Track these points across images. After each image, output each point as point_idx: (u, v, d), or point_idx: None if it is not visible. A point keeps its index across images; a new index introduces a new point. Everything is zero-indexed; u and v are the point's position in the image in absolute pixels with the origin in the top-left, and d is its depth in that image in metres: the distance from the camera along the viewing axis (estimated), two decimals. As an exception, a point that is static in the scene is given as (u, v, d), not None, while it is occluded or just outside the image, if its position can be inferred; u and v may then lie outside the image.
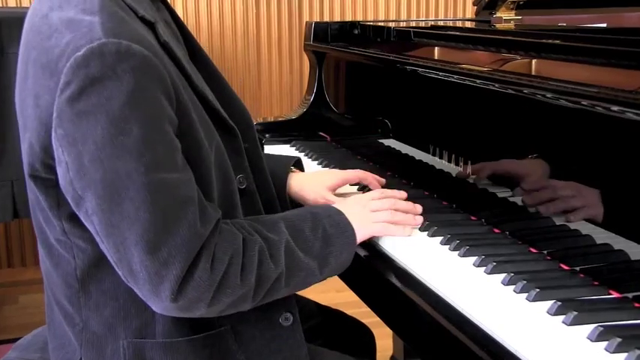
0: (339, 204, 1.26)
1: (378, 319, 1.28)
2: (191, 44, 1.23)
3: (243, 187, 1.19)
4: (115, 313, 1.10)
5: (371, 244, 1.25)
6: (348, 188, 1.50)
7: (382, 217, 1.24)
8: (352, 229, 1.18)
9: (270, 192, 1.27)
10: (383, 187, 1.47)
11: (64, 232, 1.08)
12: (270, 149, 1.96)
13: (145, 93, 0.96)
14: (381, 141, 1.78)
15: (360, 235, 1.20)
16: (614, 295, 1.01)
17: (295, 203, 1.41)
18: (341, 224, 1.18)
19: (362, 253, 1.26)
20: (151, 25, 1.07)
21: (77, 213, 1.01)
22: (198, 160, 1.06)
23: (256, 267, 1.05)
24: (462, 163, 1.41)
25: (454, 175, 1.43)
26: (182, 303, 0.99)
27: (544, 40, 1.35)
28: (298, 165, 1.49)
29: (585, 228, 1.10)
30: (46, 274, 1.17)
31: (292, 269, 1.10)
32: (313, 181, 1.43)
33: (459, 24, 2.55)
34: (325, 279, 1.18)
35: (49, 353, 1.20)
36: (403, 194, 1.32)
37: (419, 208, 1.30)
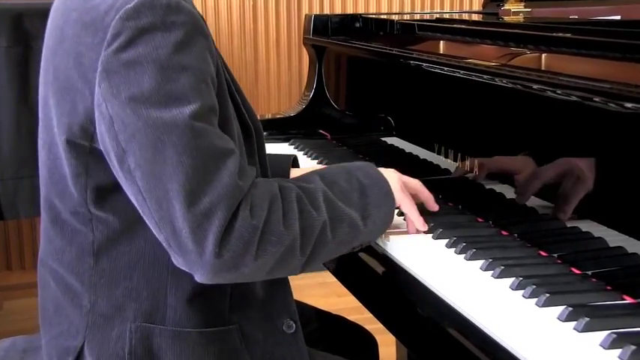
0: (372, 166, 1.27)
1: (381, 325, 1.28)
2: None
3: None
4: (126, 293, 1.11)
5: (373, 247, 1.25)
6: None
7: (414, 183, 1.28)
8: (385, 180, 1.20)
9: None
10: None
11: (85, 202, 1.10)
12: (268, 147, 1.95)
13: (192, 46, 1.01)
14: (383, 139, 1.78)
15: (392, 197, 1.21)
16: (628, 300, 1.00)
17: None
18: (374, 175, 1.20)
19: (363, 255, 1.26)
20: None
21: (120, 174, 1.03)
22: (230, 137, 1.08)
23: (297, 213, 1.06)
24: (468, 162, 1.41)
25: (460, 174, 1.43)
26: (228, 257, 0.99)
27: (554, 34, 1.35)
28: (294, 163, 1.50)
29: (598, 230, 1.10)
30: (51, 256, 1.18)
31: (334, 219, 1.10)
32: None
33: (465, 17, 2.55)
34: (369, 239, 1.19)
35: (43, 348, 1.20)
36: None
37: (435, 205, 1.32)
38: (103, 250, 1.12)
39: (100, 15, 1.02)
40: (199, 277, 1.02)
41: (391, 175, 1.24)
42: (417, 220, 1.26)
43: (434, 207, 1.31)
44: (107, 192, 1.08)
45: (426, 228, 1.26)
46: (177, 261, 1.02)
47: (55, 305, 1.18)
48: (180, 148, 0.98)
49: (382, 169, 1.25)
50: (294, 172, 1.44)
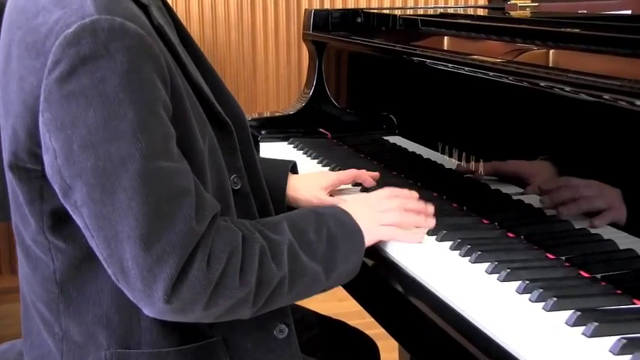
0: (345, 204, 1.26)
1: (383, 330, 1.28)
2: (183, 35, 1.23)
3: (237, 187, 1.19)
4: (97, 320, 1.10)
5: (375, 249, 1.25)
6: (347, 189, 1.51)
7: (392, 218, 1.24)
8: (359, 231, 1.18)
9: (264, 195, 1.27)
10: (386, 184, 1.47)
11: (41, 230, 1.08)
12: (266, 147, 1.96)
13: (140, 74, 0.97)
14: (386, 138, 1.78)
15: (368, 239, 1.20)
16: (639, 304, 1.00)
17: (289, 207, 1.42)
18: (347, 225, 1.18)
19: (365, 258, 1.26)
20: (144, 8, 1.07)
21: (65, 205, 1.01)
22: (192, 153, 1.06)
23: (257, 268, 1.05)
24: (473, 162, 1.41)
25: (464, 174, 1.43)
26: (176, 305, 0.99)
27: (563, 29, 1.35)
28: (293, 169, 1.50)
29: (607, 232, 1.10)
30: (23, 280, 1.17)
31: (296, 273, 1.09)
32: (307, 181, 1.45)
33: (470, 11, 2.55)
34: (332, 287, 1.18)
35: None
36: (415, 194, 1.32)
37: (430, 208, 1.29)
38: (66, 278, 1.10)
39: (41, 38, 0.98)
40: (147, 312, 1.02)
41: (365, 214, 1.21)
42: (411, 238, 1.23)
43: (426, 225, 1.27)
44: (64, 219, 1.05)
45: (421, 239, 1.25)
46: (126, 293, 1.01)
47: (36, 329, 1.17)
48: (130, 193, 0.95)
49: (359, 198, 1.22)
50: (293, 180, 1.44)
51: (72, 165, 0.97)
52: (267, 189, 1.29)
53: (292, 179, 1.44)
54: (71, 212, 1.01)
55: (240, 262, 1.04)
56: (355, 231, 1.18)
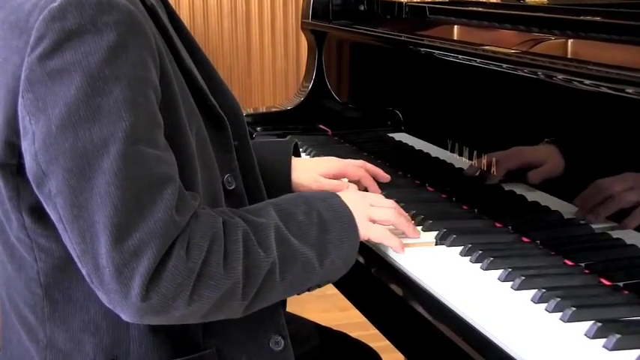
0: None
1: (388, 342, 1.28)
2: (175, 21, 1.23)
3: (232, 188, 1.19)
4: (83, 326, 1.10)
5: (379, 254, 1.25)
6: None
7: (383, 215, 1.23)
8: (351, 214, 1.17)
9: (261, 196, 1.27)
10: (392, 184, 1.47)
11: (24, 227, 1.08)
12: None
13: (128, 51, 0.97)
14: (391, 135, 1.78)
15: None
16: (664, 315, 1.01)
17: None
18: (337, 208, 1.17)
19: (369, 264, 1.26)
20: None
21: (39, 197, 1.01)
22: (181, 144, 1.06)
23: (242, 254, 1.04)
24: (484, 161, 1.41)
25: (476, 174, 1.43)
26: (156, 301, 0.98)
27: (582, 17, 1.35)
28: (295, 151, 1.50)
29: (630, 236, 1.10)
30: (5, 282, 1.17)
31: (286, 259, 1.08)
32: (308, 164, 1.46)
33: (482, -1, 2.55)
34: (327, 279, 1.17)
35: None
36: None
37: (417, 231, 1.28)
38: (50, 280, 1.10)
39: (24, 15, 0.99)
40: (125, 318, 1.01)
41: (357, 203, 1.20)
42: (396, 244, 1.22)
43: (414, 235, 1.27)
44: (44, 216, 1.04)
45: (403, 251, 1.23)
46: (101, 298, 1.01)
47: (17, 337, 1.17)
48: (109, 177, 0.95)
49: (346, 195, 1.21)
50: (296, 163, 1.44)
51: (49, 148, 0.97)
52: (269, 174, 1.29)
53: (293, 162, 1.44)
54: (45, 204, 1.01)
55: (222, 248, 1.03)
56: (347, 214, 1.17)
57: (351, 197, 1.21)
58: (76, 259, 1.00)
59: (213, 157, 1.15)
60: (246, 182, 1.23)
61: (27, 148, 0.99)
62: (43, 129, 0.97)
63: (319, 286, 1.17)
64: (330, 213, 1.16)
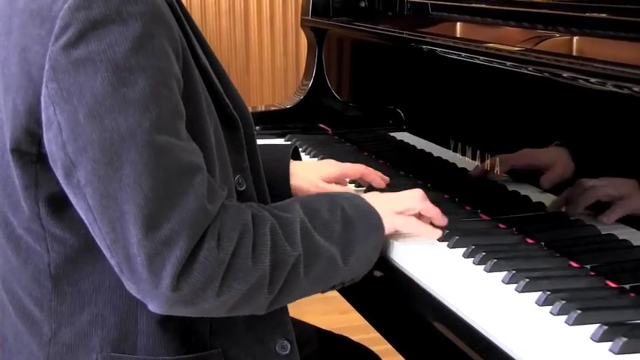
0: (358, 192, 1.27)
1: (390, 346, 1.28)
2: (190, 22, 1.24)
3: (243, 189, 1.20)
4: (91, 319, 1.11)
5: (380, 256, 1.25)
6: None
7: (408, 203, 1.24)
8: (375, 212, 1.19)
9: (267, 200, 1.28)
10: (393, 185, 1.47)
11: (38, 217, 1.09)
12: (261, 144, 1.96)
13: (153, 41, 0.99)
14: (392, 134, 1.78)
15: (385, 227, 1.20)
16: (671, 317, 1.01)
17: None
18: (361, 206, 1.19)
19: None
20: None
21: (66, 188, 1.02)
22: (201, 137, 1.08)
23: (270, 247, 1.06)
24: (488, 161, 1.41)
25: (479, 174, 1.43)
26: (186, 291, 0.99)
27: (588, 14, 1.35)
28: (295, 155, 1.51)
29: (636, 238, 1.10)
30: (6, 277, 1.17)
31: (311, 254, 1.10)
32: (308, 168, 1.46)
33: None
34: (350, 278, 1.18)
35: None
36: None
37: (445, 219, 1.29)
38: (61, 272, 1.10)
39: (47, 3, 1.00)
40: (153, 308, 1.02)
41: (380, 199, 1.23)
42: (429, 232, 1.24)
43: (442, 221, 1.28)
44: (61, 205, 1.06)
45: (439, 235, 1.26)
46: (129, 288, 1.01)
47: (14, 332, 1.17)
48: (139, 167, 0.97)
49: (368, 194, 1.22)
50: (296, 168, 1.44)
51: (77, 138, 0.98)
52: (268, 179, 1.29)
53: (292, 166, 1.45)
54: (72, 195, 1.02)
55: (252, 241, 1.05)
56: (371, 212, 1.19)
57: (373, 196, 1.23)
58: (106, 250, 1.01)
59: (227, 156, 1.16)
60: (254, 184, 1.24)
61: (52, 138, 1.00)
62: (70, 119, 0.98)
63: (343, 284, 1.19)
64: (353, 211, 1.18)
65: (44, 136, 1.02)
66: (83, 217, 1.02)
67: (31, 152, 1.05)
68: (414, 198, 1.26)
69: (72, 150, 0.99)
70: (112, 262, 1.01)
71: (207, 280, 1.00)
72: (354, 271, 1.17)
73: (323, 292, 1.18)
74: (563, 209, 1.20)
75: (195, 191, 1.00)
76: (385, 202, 1.24)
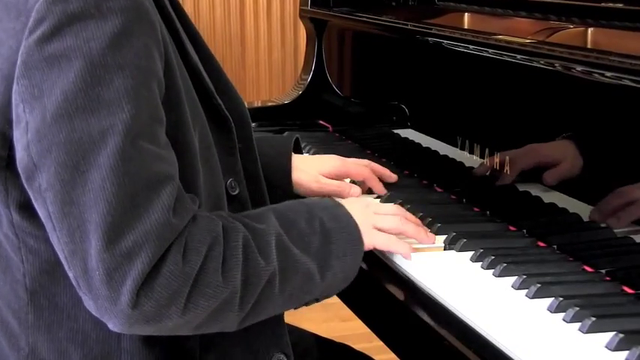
0: (339, 199, 1.25)
1: (393, 355, 1.28)
2: (179, 13, 1.23)
3: (235, 193, 1.19)
4: (70, 336, 1.10)
5: (383, 261, 1.25)
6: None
7: (388, 223, 1.23)
8: (355, 225, 1.18)
9: (264, 203, 1.27)
10: (398, 184, 1.47)
11: (12, 225, 1.08)
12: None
13: (132, 39, 0.98)
14: (396, 131, 1.78)
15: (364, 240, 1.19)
16: (691, 325, 1.01)
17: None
18: (341, 217, 1.18)
19: (372, 272, 1.26)
20: None
21: (28, 191, 1.01)
22: (183, 144, 1.07)
23: (242, 261, 1.04)
24: (497, 159, 1.41)
25: (488, 174, 1.43)
26: (148, 308, 0.98)
27: (603, 4, 1.35)
28: (297, 148, 1.51)
29: (654, 241, 1.10)
30: None
31: (287, 269, 1.09)
32: (309, 163, 1.46)
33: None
34: (326, 294, 1.17)
35: None
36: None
37: (431, 236, 1.28)
38: (36, 285, 1.10)
39: None
40: (112, 327, 1.01)
41: (360, 212, 1.21)
42: (405, 250, 1.22)
43: (427, 240, 1.26)
44: (34, 214, 1.04)
45: (410, 255, 1.23)
46: (87, 305, 1.00)
47: None
48: (105, 172, 0.95)
49: (349, 204, 1.21)
50: (297, 161, 1.44)
51: (42, 138, 0.97)
52: (269, 172, 1.29)
53: (293, 159, 1.45)
54: (33, 200, 1.01)
55: (221, 254, 1.03)
56: (351, 225, 1.17)
57: (354, 206, 1.21)
58: (64, 261, 1.00)
59: (217, 159, 1.15)
60: (249, 188, 1.23)
61: (19, 138, 0.99)
62: (37, 118, 0.97)
63: (317, 300, 1.18)
64: (333, 223, 1.16)
65: (14, 136, 1.01)
66: (44, 223, 1.01)
67: (2, 155, 1.04)
68: (395, 218, 1.24)
69: (35, 151, 0.97)
70: (70, 275, 0.99)
71: (171, 295, 0.98)
72: (330, 288, 1.16)
73: (295, 308, 1.17)
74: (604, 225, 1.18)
75: (161, 203, 0.98)
76: (367, 216, 1.22)
